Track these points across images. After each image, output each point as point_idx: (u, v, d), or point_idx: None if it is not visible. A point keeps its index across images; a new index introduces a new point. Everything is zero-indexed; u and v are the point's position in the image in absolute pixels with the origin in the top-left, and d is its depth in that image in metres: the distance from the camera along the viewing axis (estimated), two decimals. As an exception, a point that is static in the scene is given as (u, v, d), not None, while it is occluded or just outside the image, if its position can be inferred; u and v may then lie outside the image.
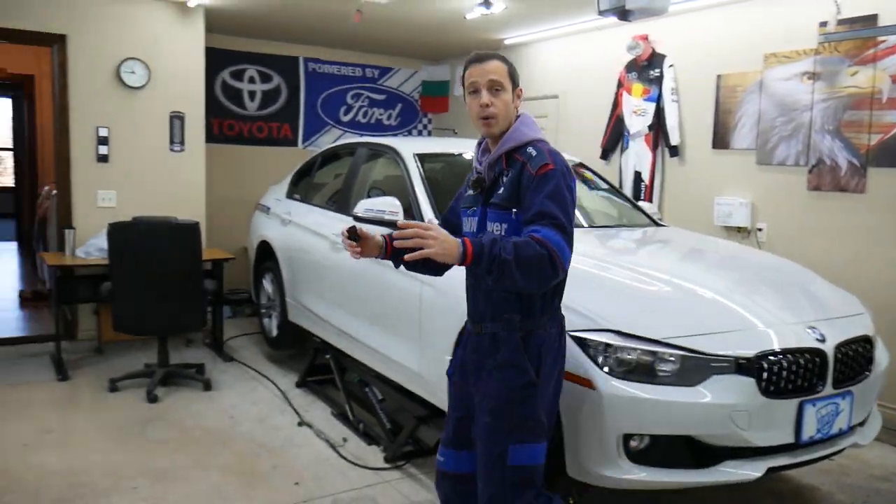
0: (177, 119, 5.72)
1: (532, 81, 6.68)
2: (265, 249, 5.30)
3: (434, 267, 2.24)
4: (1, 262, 9.54)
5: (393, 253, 2.24)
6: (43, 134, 8.49)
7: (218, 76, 6.84)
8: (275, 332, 5.27)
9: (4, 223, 11.33)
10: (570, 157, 4.67)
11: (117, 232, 4.40)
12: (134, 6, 5.48)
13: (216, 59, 6.53)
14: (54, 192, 5.82)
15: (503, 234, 2.12)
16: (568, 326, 2.65)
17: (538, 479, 2.18)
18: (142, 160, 5.61)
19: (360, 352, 4.00)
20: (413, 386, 3.52)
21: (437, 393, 3.18)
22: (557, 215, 2.00)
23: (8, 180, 12.74)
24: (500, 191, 2.16)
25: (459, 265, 1.93)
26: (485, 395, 2.19)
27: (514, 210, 2.11)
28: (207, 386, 4.57)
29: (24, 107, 10.03)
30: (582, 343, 2.58)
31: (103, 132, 5.44)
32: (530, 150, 2.14)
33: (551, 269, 1.94)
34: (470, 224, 2.26)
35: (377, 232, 2.28)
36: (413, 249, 1.89)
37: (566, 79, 6.31)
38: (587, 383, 2.54)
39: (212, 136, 6.48)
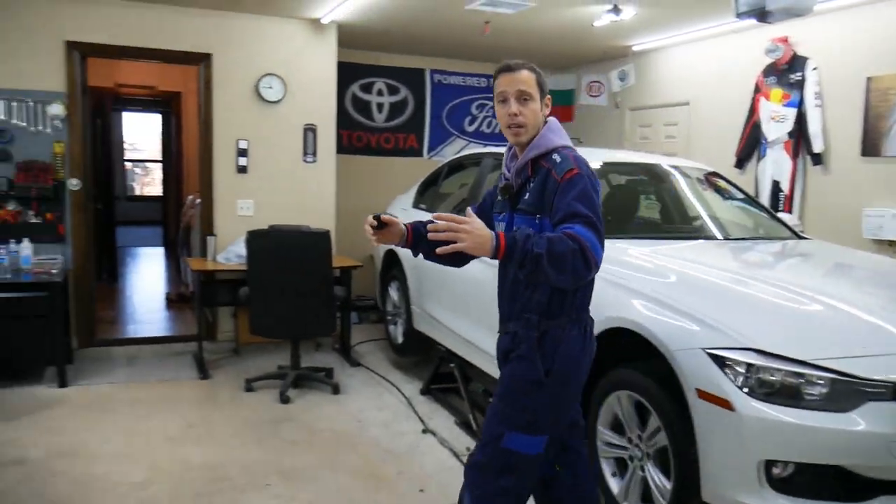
0: (310, 131, 5.96)
1: (661, 88, 6.50)
2: (392, 258, 5.41)
3: (455, 258, 2.27)
4: (150, 266, 10.28)
5: (413, 242, 2.33)
6: (188, 147, 9.08)
7: (348, 89, 7.06)
8: (400, 339, 5.37)
9: (153, 230, 12.21)
10: (703, 165, 4.50)
11: (255, 239, 4.63)
12: (273, 25, 5.77)
13: (347, 73, 6.75)
14: (198, 201, 6.19)
15: None
16: (705, 344, 2.54)
17: (527, 467, 2.22)
18: (277, 171, 5.88)
19: (484, 362, 3.99)
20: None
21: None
22: (587, 213, 2.02)
23: (156, 190, 13.71)
24: (526, 196, 2.21)
25: (492, 258, 1.97)
26: (501, 380, 2.30)
27: (539, 216, 2.15)
28: (336, 390, 4.71)
29: (171, 122, 10.78)
30: (720, 361, 2.46)
31: (243, 144, 5.75)
32: (555, 156, 2.18)
33: (583, 264, 1.95)
34: (499, 229, 2.31)
35: (400, 220, 2.35)
36: (446, 242, 1.93)
37: (698, 84, 6.08)
38: (725, 404, 2.42)
39: (341, 148, 6.70)
